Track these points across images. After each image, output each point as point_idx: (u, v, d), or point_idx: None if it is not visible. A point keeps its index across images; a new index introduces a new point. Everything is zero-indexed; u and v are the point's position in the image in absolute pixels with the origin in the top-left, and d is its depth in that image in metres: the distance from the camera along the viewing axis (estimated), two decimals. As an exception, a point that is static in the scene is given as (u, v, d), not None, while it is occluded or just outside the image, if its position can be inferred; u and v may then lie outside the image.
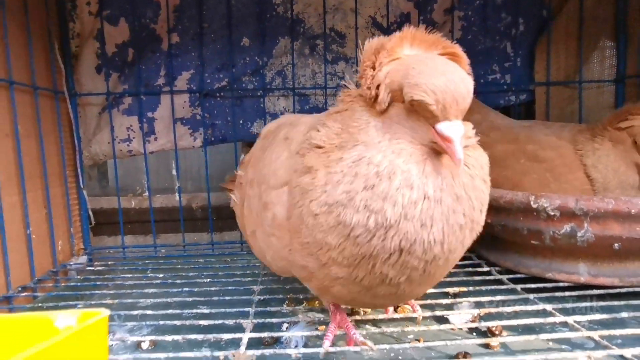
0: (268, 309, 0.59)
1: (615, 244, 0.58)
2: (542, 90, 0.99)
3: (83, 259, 0.87)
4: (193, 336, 0.50)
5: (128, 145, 0.94)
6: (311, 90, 0.97)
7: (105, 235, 0.98)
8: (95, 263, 0.86)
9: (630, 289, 0.61)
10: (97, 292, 0.70)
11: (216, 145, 0.98)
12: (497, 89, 0.99)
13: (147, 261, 0.87)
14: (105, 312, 0.28)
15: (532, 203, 0.61)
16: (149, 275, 0.76)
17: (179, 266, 0.82)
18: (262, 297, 0.63)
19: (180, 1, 0.91)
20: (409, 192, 0.34)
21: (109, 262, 0.86)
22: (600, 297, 0.60)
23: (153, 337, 0.52)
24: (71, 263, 0.84)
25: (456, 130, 0.33)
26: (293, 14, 0.93)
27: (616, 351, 0.46)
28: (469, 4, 0.97)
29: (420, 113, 0.35)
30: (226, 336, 0.50)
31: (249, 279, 0.72)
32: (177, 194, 0.96)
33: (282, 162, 0.44)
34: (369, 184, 0.35)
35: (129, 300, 0.63)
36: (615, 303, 0.57)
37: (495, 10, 0.98)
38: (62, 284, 0.76)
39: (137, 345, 0.52)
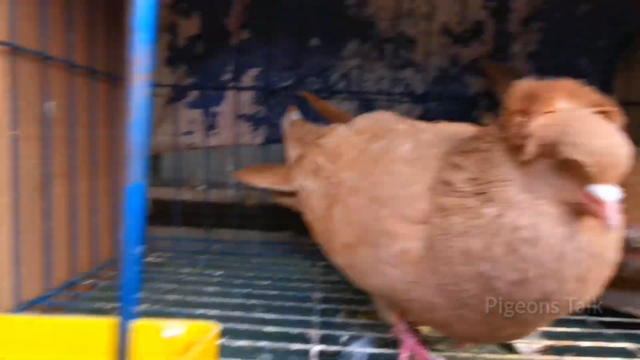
0: (331, 319, 0.58)
1: None
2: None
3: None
4: (260, 343, 0.50)
5: (190, 138, 0.94)
6: (376, 95, 0.95)
7: (161, 226, 0.99)
8: (151, 254, 0.87)
9: None
10: (154, 285, 0.70)
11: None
12: (570, 106, 0.95)
13: (201, 256, 0.87)
14: (217, 328, 0.27)
15: (617, 233, 0.57)
16: (205, 272, 0.76)
17: (236, 264, 0.82)
18: (323, 306, 0.61)
19: (253, -2, 0.91)
20: (550, 255, 0.35)
21: (165, 255, 0.87)
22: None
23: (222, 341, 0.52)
24: (128, 251, 0.85)
25: (612, 194, 0.33)
26: (365, 17, 0.92)
27: None
28: (548, 15, 0.93)
29: (571, 172, 0.34)
30: (295, 346, 0.50)
31: (307, 284, 0.71)
32: (231, 190, 0.96)
33: (421, 194, 0.42)
34: (512, 244, 0.35)
35: (189, 298, 0.63)
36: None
37: (575, 23, 0.93)
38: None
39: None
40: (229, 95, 0.93)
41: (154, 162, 1.17)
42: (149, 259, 0.84)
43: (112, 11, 0.77)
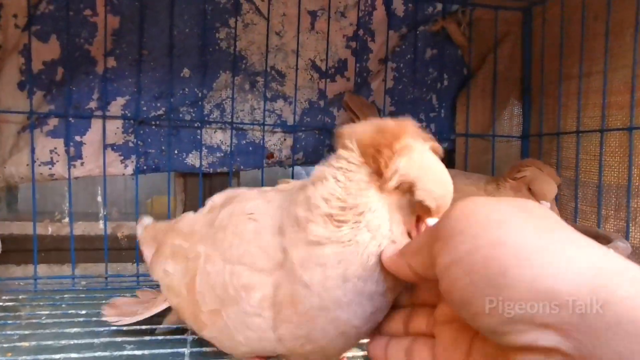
0: (203, 349, 0.58)
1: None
2: (462, 141, 1.09)
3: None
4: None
5: (50, 168, 0.88)
6: (249, 125, 0.98)
7: (14, 264, 0.90)
8: (2, 297, 0.78)
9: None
10: (6, 332, 0.64)
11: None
12: (422, 137, 1.07)
13: (64, 295, 0.80)
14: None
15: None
16: (69, 312, 0.71)
17: (103, 301, 0.77)
18: (196, 337, 0.61)
19: (120, 25, 0.89)
20: None
21: (20, 296, 0.79)
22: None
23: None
24: (-27, 296, 0.76)
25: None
26: (236, 50, 0.95)
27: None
28: (401, 57, 1.05)
29: (416, 205, 0.40)
30: (163, 382, 0.49)
31: (180, 316, 0.70)
32: (100, 222, 0.91)
33: (268, 243, 0.44)
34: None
35: (47, 342, 0.59)
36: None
37: (424, 64, 1.07)
38: (-36, 322, 0.68)
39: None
40: (95, 124, 0.89)
41: (7, 194, 1.06)
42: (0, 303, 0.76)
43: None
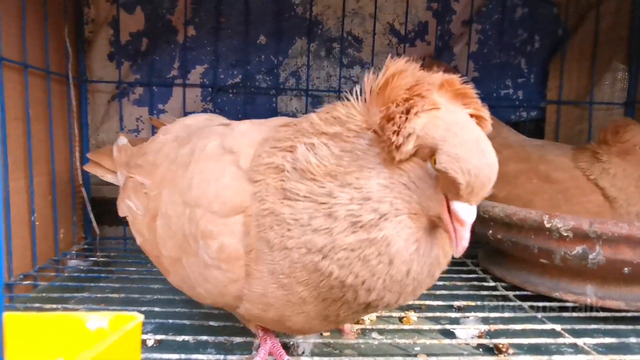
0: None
1: (626, 269, 0.58)
2: (553, 109, 0.99)
3: (84, 248, 0.86)
4: (204, 337, 0.50)
5: (136, 136, 0.93)
6: (325, 92, 0.96)
7: (106, 225, 0.97)
8: (97, 254, 0.84)
9: (636, 314, 0.61)
10: (100, 284, 0.69)
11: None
12: (509, 104, 1.00)
13: (149, 255, 0.85)
14: (140, 318, 0.27)
15: (545, 222, 0.61)
16: (153, 269, 0.75)
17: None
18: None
19: (199, -7, 0.91)
20: (399, 274, 0.34)
21: (111, 254, 0.85)
22: (606, 320, 0.60)
23: (161, 337, 0.51)
24: (72, 252, 0.83)
25: (471, 216, 0.31)
26: (312, 15, 0.93)
27: (628, 378, 0.46)
28: (487, 17, 0.97)
29: (441, 183, 0.32)
30: (237, 339, 0.50)
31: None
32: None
33: (229, 183, 0.39)
34: (358, 248, 0.33)
35: (134, 295, 0.62)
36: (622, 327, 0.58)
37: (512, 25, 0.98)
38: (64, 274, 0.75)
39: (142, 343, 0.52)
40: (176, 92, 0.92)
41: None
42: (95, 259, 0.82)
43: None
